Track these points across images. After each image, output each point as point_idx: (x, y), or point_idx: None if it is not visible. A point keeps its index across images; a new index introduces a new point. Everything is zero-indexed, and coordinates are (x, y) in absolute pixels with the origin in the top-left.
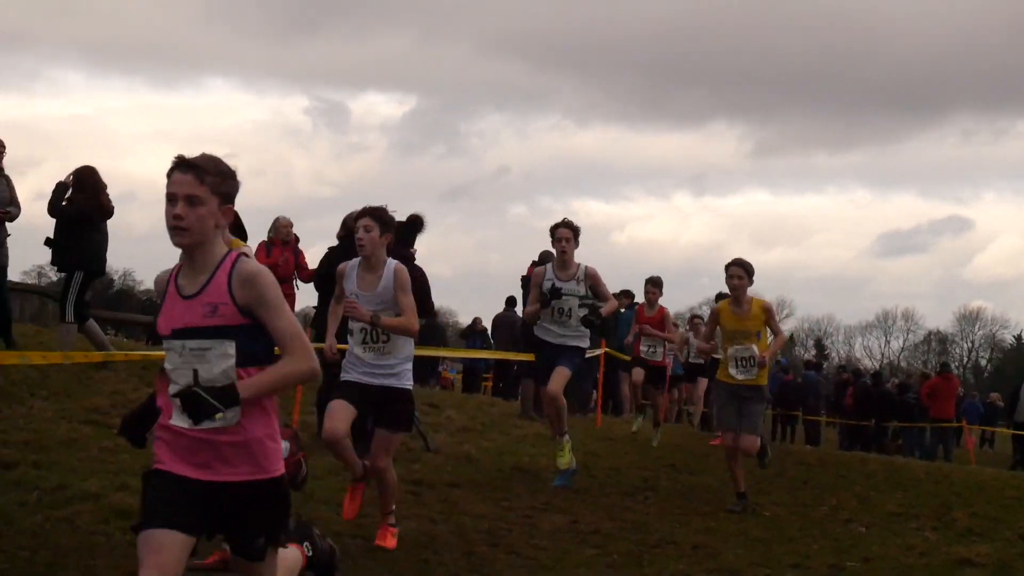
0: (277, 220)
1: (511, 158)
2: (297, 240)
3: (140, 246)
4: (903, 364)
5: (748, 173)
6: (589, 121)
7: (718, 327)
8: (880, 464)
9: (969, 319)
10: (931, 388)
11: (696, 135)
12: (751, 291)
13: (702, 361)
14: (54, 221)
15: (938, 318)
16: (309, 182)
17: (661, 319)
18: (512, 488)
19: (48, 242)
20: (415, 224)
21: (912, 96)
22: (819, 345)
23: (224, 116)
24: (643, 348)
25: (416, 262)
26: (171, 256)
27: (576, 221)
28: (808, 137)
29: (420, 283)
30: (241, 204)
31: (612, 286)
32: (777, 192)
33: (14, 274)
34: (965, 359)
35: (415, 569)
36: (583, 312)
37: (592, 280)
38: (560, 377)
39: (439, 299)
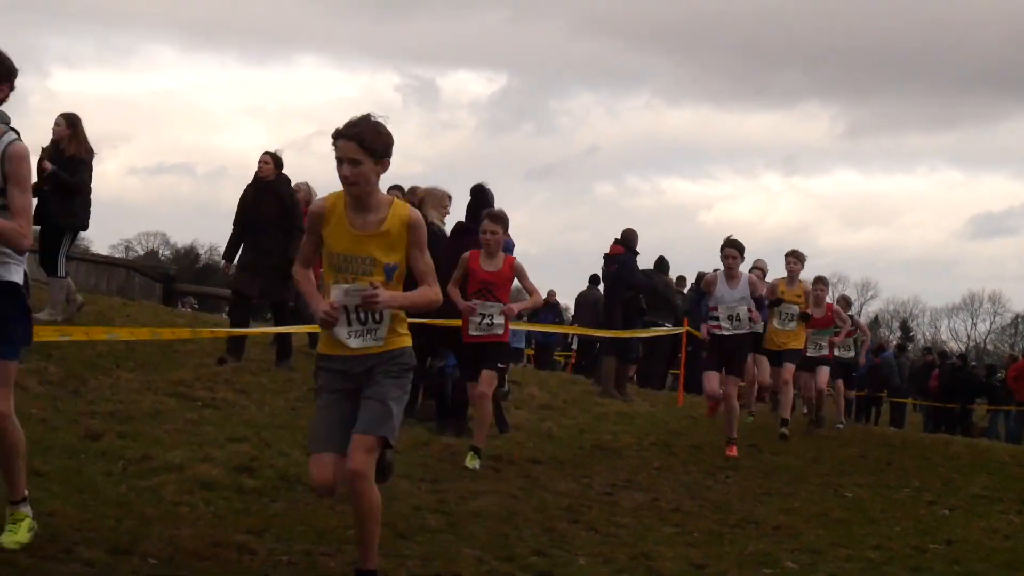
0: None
1: (601, 137)
2: None
3: (230, 221)
4: (989, 347)
5: (839, 153)
6: (680, 100)
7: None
8: (964, 446)
9: None
10: (1018, 371)
11: (789, 115)
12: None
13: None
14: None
15: None
16: (398, 159)
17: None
18: (593, 466)
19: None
20: (485, 193)
21: (1008, 76)
22: (905, 327)
23: (315, 93)
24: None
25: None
26: None
27: (662, 200)
28: (902, 118)
29: None
30: (329, 181)
31: (699, 266)
32: (868, 172)
33: (102, 247)
34: None
35: (495, 544)
36: None
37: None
38: None
39: None
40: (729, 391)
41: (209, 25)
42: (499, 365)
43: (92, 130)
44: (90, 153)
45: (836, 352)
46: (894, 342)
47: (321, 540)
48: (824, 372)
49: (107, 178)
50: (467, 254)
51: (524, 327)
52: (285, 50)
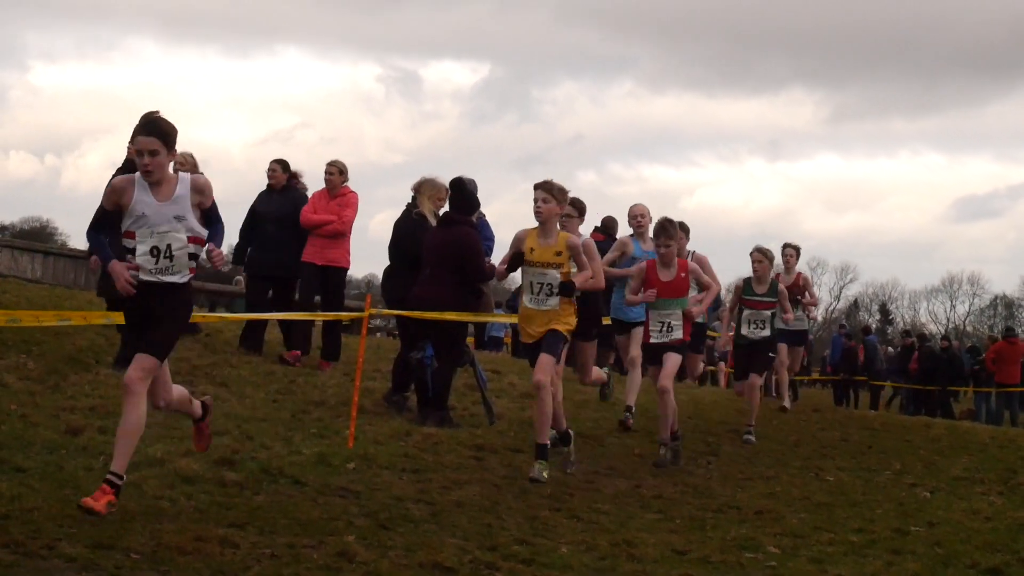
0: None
1: (585, 126)
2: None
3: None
4: (968, 329)
5: (823, 138)
6: (665, 88)
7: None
8: (945, 428)
9: None
10: (996, 353)
11: (773, 101)
12: None
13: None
14: None
15: (1006, 282)
16: (380, 149)
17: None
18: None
19: None
20: (464, 185)
21: (991, 59)
22: (884, 310)
23: (297, 84)
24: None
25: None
26: (235, 222)
27: (645, 187)
28: (886, 102)
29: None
30: (315, 171)
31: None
32: (850, 157)
33: (80, 242)
34: None
35: (478, 533)
36: None
37: None
38: None
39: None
40: None
41: (190, 17)
42: None
43: (73, 124)
44: None
45: (781, 324)
46: (874, 325)
47: (304, 532)
48: (673, 361)
49: (88, 172)
50: None
51: (504, 319)
52: (267, 41)
